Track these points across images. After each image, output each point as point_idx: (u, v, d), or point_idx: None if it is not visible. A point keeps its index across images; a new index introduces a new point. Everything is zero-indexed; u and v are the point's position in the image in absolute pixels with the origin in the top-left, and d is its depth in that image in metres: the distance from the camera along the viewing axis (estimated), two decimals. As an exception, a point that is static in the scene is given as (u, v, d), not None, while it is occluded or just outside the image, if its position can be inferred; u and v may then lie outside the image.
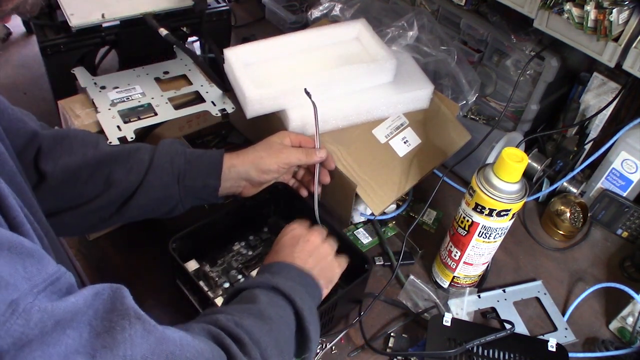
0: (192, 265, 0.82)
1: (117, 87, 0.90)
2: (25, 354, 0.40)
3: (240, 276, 0.84)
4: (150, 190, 0.73)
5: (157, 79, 0.94)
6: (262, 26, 1.43)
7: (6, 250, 0.41)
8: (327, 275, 0.72)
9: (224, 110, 0.91)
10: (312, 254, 0.72)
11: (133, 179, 0.72)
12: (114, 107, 0.87)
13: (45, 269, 0.43)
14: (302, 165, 0.88)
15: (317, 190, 0.84)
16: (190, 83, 0.94)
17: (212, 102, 0.91)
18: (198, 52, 1.15)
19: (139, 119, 0.86)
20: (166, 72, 0.95)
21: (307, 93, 0.80)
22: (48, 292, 0.42)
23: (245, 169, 0.80)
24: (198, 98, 0.93)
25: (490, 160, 1.01)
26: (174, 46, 0.96)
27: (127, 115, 0.86)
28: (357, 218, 0.97)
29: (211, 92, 0.93)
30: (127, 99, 0.88)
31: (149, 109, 0.88)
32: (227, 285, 0.83)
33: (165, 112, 0.88)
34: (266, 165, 0.80)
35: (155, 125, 0.88)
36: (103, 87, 0.90)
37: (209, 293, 0.79)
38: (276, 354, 0.57)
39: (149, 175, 0.73)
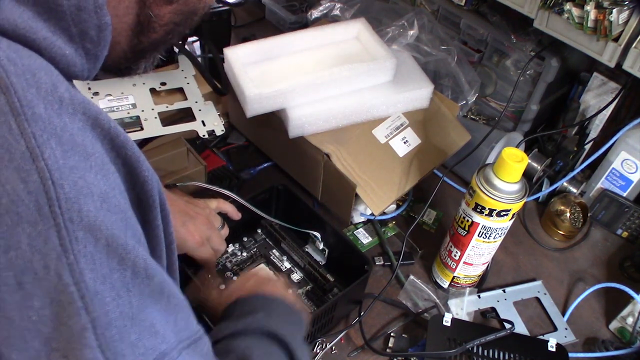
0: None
1: (109, 95, 0.88)
2: None
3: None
4: None
5: (153, 90, 0.92)
6: (262, 26, 1.43)
7: (166, 299, 0.42)
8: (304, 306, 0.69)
9: (212, 132, 0.88)
10: (287, 288, 0.67)
11: None
12: None
13: (191, 326, 0.44)
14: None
15: None
16: (186, 98, 0.92)
17: (202, 122, 0.89)
18: (198, 52, 1.15)
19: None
20: (163, 84, 0.92)
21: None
22: (190, 350, 0.43)
23: None
24: (189, 115, 0.90)
25: (490, 160, 1.01)
26: (174, 47, 0.96)
27: None
28: (357, 218, 0.97)
29: (204, 110, 0.89)
30: (116, 109, 0.86)
31: (135, 122, 0.85)
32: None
33: (152, 128, 0.84)
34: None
35: (143, 141, 0.86)
36: (96, 93, 0.87)
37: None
38: None
39: None
